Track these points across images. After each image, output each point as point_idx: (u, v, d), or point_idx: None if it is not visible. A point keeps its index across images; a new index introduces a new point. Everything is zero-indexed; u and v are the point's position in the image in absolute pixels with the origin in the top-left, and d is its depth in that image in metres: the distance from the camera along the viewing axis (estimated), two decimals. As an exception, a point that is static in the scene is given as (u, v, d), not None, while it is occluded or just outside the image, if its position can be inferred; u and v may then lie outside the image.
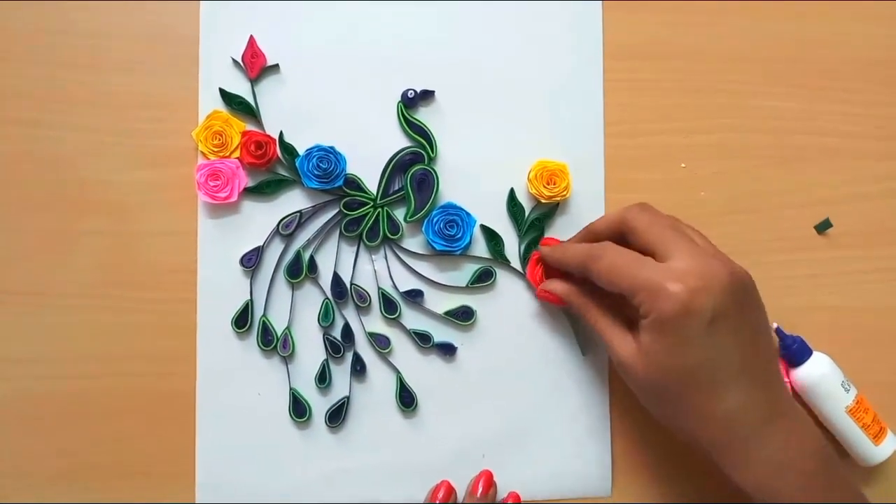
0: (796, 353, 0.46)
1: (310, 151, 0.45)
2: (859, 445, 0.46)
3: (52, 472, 0.45)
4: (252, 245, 0.46)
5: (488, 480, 0.46)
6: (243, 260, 0.45)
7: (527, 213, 0.47)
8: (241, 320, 0.45)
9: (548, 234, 0.47)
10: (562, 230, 0.47)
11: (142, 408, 0.45)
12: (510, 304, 0.47)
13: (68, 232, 0.45)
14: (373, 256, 0.47)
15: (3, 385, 0.45)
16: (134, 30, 0.46)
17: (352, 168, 0.46)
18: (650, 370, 0.38)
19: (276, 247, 0.46)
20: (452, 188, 0.47)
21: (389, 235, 0.46)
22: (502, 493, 0.47)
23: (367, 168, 0.46)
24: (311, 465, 0.46)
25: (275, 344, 0.46)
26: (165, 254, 0.45)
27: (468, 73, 0.47)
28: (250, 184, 0.46)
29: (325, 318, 0.46)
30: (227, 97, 0.45)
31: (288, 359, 0.46)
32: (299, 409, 0.46)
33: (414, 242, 0.47)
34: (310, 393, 0.46)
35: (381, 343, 0.46)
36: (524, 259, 0.47)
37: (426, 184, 0.46)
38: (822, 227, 0.49)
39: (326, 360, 0.46)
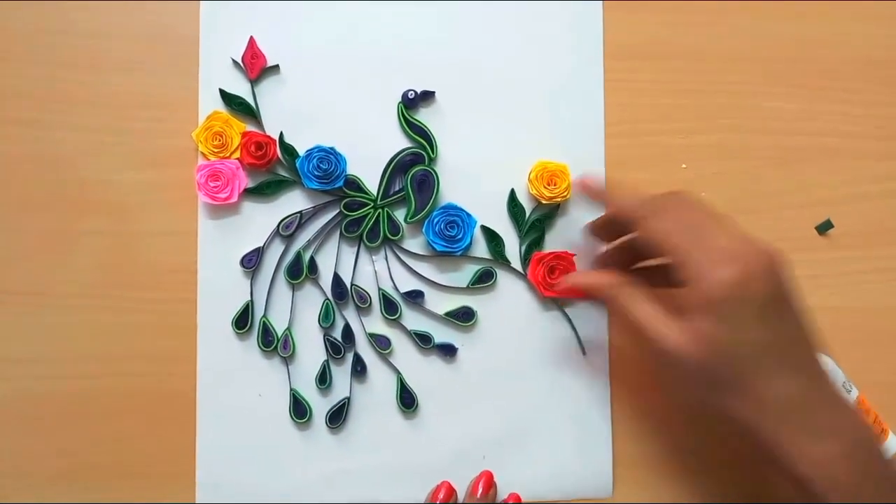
0: (796, 353, 0.46)
1: (310, 152, 0.45)
2: (860, 446, 0.46)
3: (52, 472, 0.45)
4: (252, 246, 0.46)
5: (489, 481, 0.46)
6: (244, 260, 0.45)
7: (527, 214, 0.47)
8: (242, 321, 0.45)
9: (548, 235, 0.47)
10: (562, 231, 0.47)
11: (142, 408, 0.45)
12: (511, 305, 0.47)
13: (68, 232, 0.45)
14: (373, 257, 0.47)
15: (3, 385, 0.45)
16: (134, 30, 0.46)
17: (352, 169, 0.46)
18: (707, 355, 0.37)
19: (277, 247, 0.46)
20: (453, 189, 0.47)
21: (390, 236, 0.46)
22: (503, 494, 0.47)
23: (368, 169, 0.46)
24: (311, 465, 0.46)
25: (275, 344, 0.46)
26: (165, 254, 0.45)
27: (468, 74, 0.47)
28: (250, 184, 0.46)
29: (326, 318, 0.46)
30: (227, 98, 0.45)
31: (288, 359, 0.46)
32: (300, 409, 0.46)
33: (414, 243, 0.47)
34: (310, 393, 0.46)
35: (381, 344, 0.46)
36: (525, 260, 0.47)
37: (426, 184, 0.46)
38: (824, 227, 0.49)
39: (327, 360, 0.46)
